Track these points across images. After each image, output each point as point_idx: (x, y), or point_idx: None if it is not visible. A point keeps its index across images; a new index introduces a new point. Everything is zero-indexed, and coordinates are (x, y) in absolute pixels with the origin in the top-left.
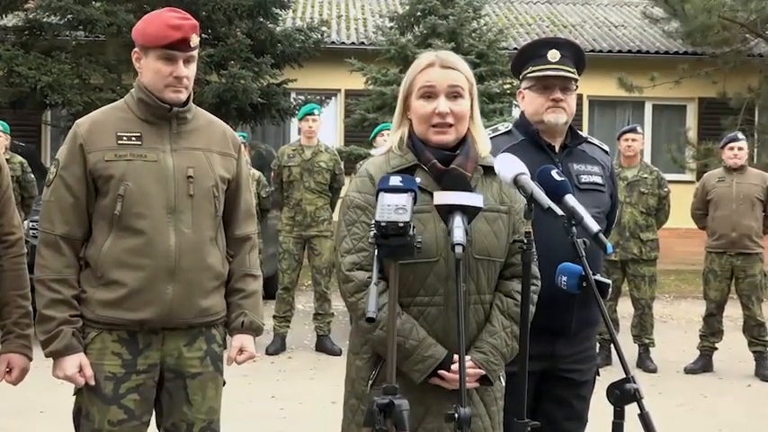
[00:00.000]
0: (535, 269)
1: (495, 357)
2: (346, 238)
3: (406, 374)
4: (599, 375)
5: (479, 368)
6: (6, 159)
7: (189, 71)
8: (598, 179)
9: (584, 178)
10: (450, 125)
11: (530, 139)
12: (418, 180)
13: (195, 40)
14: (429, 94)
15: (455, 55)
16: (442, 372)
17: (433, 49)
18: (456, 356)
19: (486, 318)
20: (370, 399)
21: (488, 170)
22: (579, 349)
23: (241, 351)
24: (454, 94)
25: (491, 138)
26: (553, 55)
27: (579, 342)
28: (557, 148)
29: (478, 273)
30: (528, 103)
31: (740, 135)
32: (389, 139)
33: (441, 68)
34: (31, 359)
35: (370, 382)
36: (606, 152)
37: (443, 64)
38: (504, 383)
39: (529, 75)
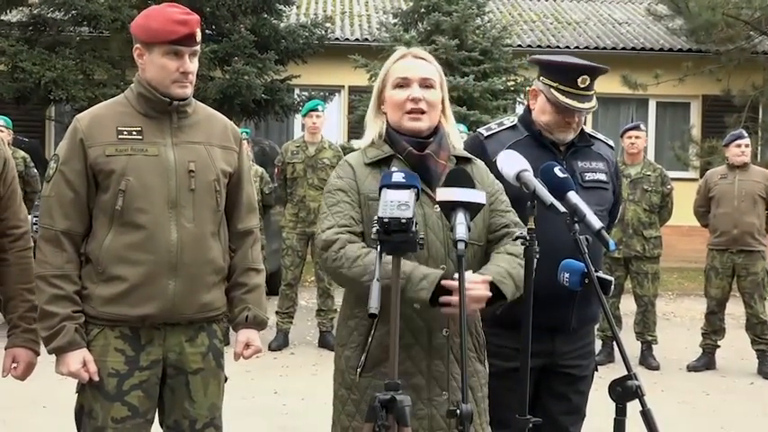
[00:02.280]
0: (517, 219)
1: (502, 272)
2: (327, 216)
3: (414, 300)
4: (597, 370)
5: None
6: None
7: (194, 66)
8: (602, 176)
9: (588, 176)
10: (423, 112)
11: (534, 136)
12: (394, 170)
13: (199, 34)
14: (403, 84)
15: (425, 52)
16: (447, 283)
17: (436, 46)
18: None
19: None
20: (360, 387)
21: (461, 161)
22: (578, 345)
23: (247, 346)
24: (426, 85)
25: (496, 132)
26: (583, 81)
27: (579, 338)
28: (561, 147)
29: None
30: (543, 112)
31: (744, 133)
32: (367, 135)
33: (413, 59)
34: (38, 353)
35: (359, 369)
36: (611, 147)
37: (416, 55)
38: (487, 370)
39: (554, 90)
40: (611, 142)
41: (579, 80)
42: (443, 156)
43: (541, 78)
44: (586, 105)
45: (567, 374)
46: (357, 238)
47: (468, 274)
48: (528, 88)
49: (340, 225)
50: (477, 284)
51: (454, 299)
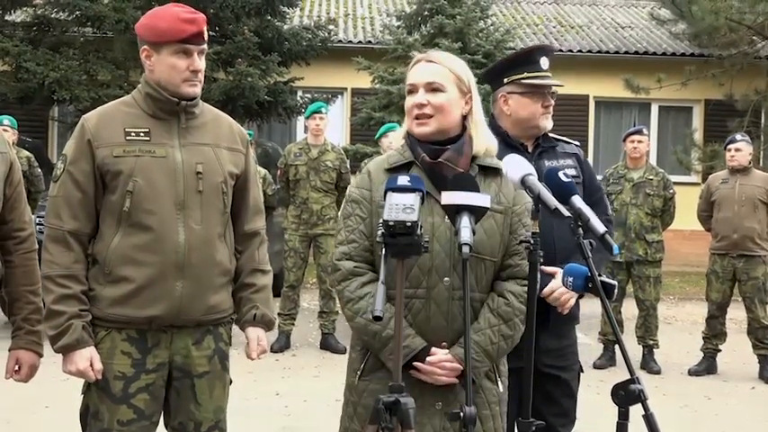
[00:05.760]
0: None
1: (477, 354)
2: (342, 230)
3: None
4: (583, 371)
5: (459, 363)
6: None
7: (203, 64)
8: (572, 171)
9: None
10: (429, 116)
11: (502, 140)
12: (400, 174)
13: (206, 32)
14: (411, 90)
15: (446, 53)
16: (416, 364)
17: (439, 49)
18: (433, 349)
19: (475, 315)
20: (357, 390)
21: (488, 170)
22: (561, 345)
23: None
24: (432, 88)
25: None
26: (544, 62)
27: (561, 337)
28: (529, 148)
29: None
30: (521, 108)
31: (739, 136)
32: (396, 139)
33: (423, 64)
34: (41, 356)
35: (359, 373)
36: (577, 144)
37: (427, 59)
38: (501, 389)
39: (524, 81)
40: (575, 142)
41: (541, 62)
42: (463, 163)
43: (506, 80)
44: (556, 82)
45: (554, 376)
46: (361, 267)
47: (441, 355)
48: (497, 94)
49: (349, 242)
50: (446, 371)
51: (422, 376)
